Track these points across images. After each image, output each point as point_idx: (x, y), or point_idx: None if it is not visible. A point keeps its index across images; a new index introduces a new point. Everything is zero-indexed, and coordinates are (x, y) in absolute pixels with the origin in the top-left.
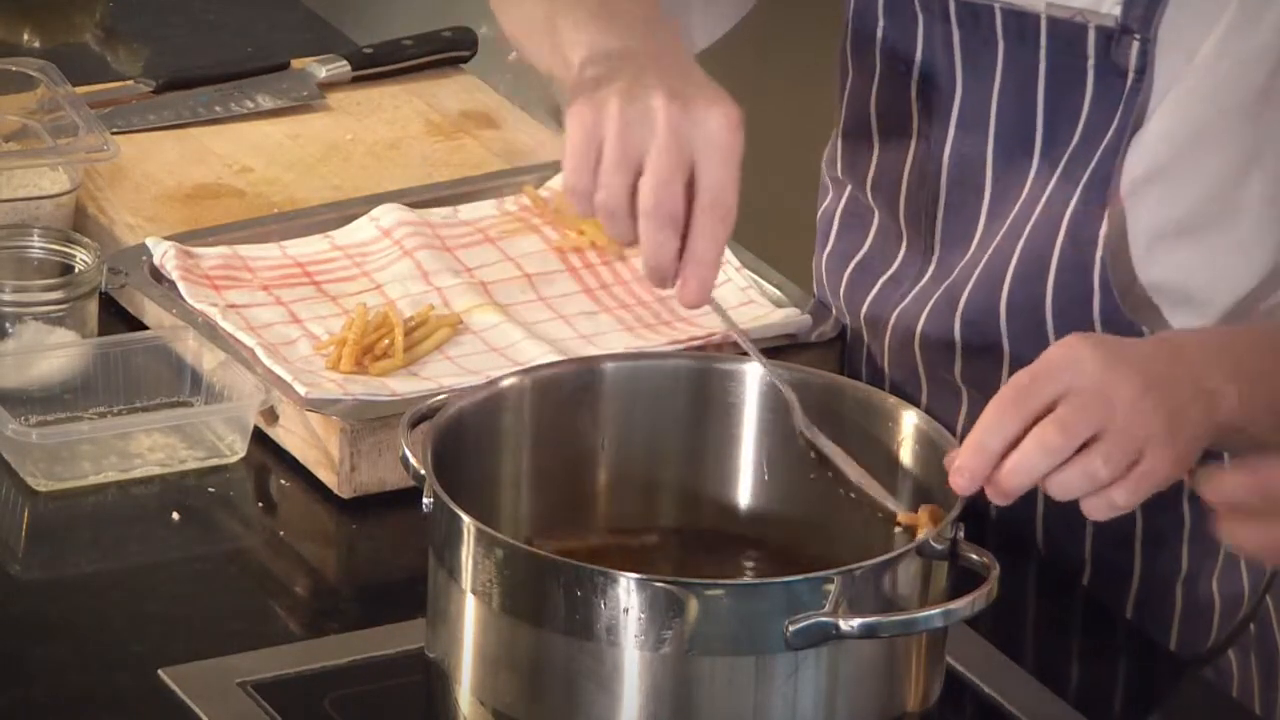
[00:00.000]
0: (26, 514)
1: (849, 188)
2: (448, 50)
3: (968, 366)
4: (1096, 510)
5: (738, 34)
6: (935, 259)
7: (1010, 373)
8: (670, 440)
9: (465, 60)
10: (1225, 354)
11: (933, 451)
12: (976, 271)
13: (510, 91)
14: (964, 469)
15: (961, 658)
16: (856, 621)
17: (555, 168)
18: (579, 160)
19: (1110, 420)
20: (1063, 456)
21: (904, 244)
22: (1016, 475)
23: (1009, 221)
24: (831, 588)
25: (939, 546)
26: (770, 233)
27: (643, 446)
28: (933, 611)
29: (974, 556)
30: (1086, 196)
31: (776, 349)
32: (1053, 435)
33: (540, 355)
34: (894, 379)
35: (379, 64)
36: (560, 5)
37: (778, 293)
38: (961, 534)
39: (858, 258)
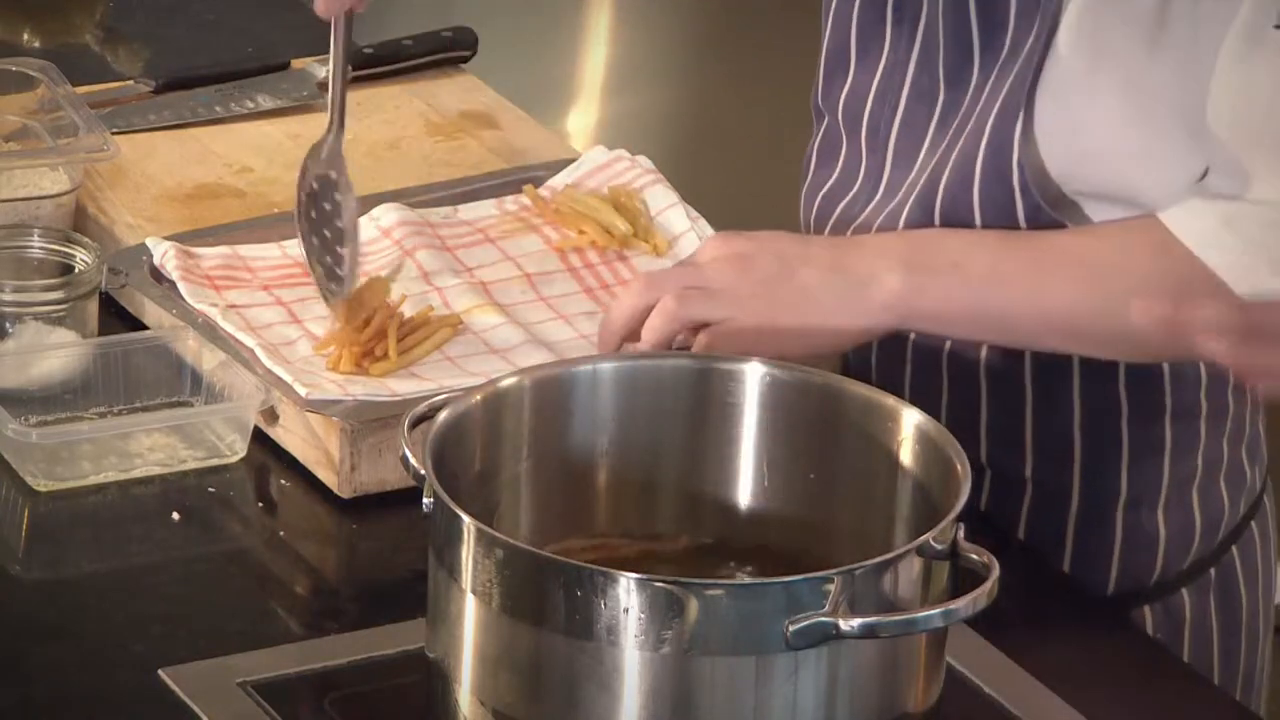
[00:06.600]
0: (26, 514)
1: (826, 119)
2: (448, 50)
3: None
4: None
5: (733, 30)
6: (885, 178)
7: None
8: (670, 441)
9: (465, 60)
10: (902, 247)
11: (933, 451)
12: (918, 188)
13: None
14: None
15: (961, 658)
16: (857, 621)
17: (555, 167)
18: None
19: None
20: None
21: (863, 167)
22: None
23: (948, 136)
24: (831, 588)
25: (939, 546)
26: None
27: (643, 447)
28: (933, 611)
29: (974, 556)
30: (1007, 103)
31: None
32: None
33: (540, 356)
34: None
35: (379, 64)
36: None
37: None
38: (962, 534)
39: (826, 188)
